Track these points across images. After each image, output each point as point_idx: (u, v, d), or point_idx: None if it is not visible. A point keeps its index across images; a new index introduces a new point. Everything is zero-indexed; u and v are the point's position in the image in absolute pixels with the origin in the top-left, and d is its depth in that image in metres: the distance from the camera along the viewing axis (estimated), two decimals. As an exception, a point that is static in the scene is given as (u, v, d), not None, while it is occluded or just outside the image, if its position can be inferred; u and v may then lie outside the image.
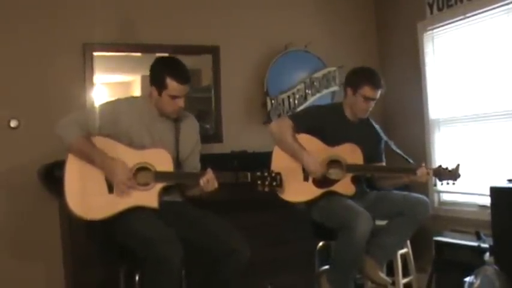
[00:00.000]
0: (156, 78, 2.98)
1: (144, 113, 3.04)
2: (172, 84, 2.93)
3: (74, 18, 4.05)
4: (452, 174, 3.29)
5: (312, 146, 3.33)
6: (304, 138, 3.36)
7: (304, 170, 3.33)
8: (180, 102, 2.99)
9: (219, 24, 4.47)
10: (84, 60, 4.07)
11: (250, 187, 3.04)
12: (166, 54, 4.18)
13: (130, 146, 2.97)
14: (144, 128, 3.02)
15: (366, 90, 3.33)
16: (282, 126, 3.39)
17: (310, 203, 3.33)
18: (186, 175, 3.08)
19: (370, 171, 3.46)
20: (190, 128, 3.19)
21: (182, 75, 2.97)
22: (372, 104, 3.39)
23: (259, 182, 3.04)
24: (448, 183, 3.31)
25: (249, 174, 3.04)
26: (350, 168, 3.30)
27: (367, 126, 3.52)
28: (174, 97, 2.96)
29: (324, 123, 3.41)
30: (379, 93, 3.37)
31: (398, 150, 3.48)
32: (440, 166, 3.33)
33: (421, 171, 3.25)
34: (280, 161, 3.29)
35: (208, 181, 2.93)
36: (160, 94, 2.96)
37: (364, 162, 3.34)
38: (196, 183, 2.95)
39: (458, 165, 3.29)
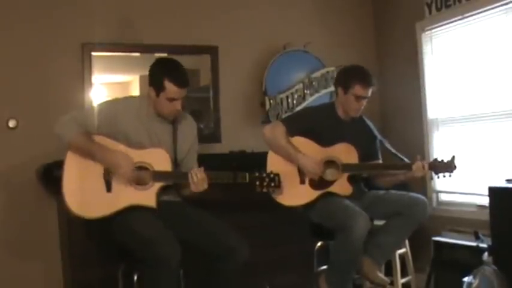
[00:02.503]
0: (154, 80, 2.97)
1: (142, 113, 3.03)
2: (170, 86, 2.92)
3: (72, 18, 4.05)
4: (448, 166, 3.29)
5: (307, 148, 3.33)
6: (299, 141, 3.36)
7: (300, 173, 3.33)
8: (177, 105, 2.98)
9: (217, 24, 4.47)
10: (82, 60, 4.06)
11: (248, 187, 3.04)
12: (164, 54, 4.19)
13: (128, 145, 2.96)
14: (142, 128, 3.01)
15: (357, 89, 3.32)
16: (275, 131, 3.38)
17: (308, 205, 3.33)
18: (184, 175, 3.08)
19: (365, 170, 3.46)
20: (188, 128, 3.19)
21: (181, 78, 2.95)
22: (364, 102, 3.38)
23: (257, 183, 3.04)
24: (444, 176, 3.31)
25: (247, 174, 3.04)
26: (345, 167, 3.30)
27: (361, 125, 3.51)
28: (171, 99, 2.95)
29: (316, 124, 3.40)
30: (370, 91, 3.36)
31: (392, 149, 3.47)
32: (435, 159, 3.33)
33: (416, 166, 3.26)
34: (275, 166, 3.27)
35: (198, 178, 2.91)
36: (157, 95, 2.95)
37: (360, 161, 3.34)
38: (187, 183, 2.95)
39: (453, 156, 3.29)
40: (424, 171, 3.28)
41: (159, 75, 2.94)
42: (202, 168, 2.97)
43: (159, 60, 3.10)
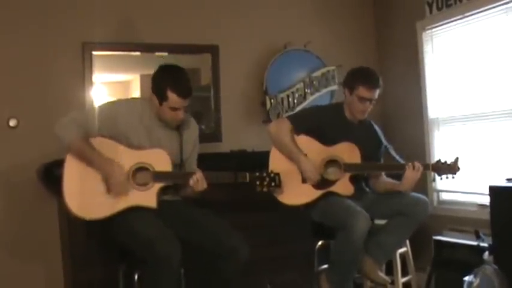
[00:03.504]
0: (157, 88, 2.95)
1: (144, 115, 3.03)
2: (173, 97, 2.91)
3: (73, 17, 4.04)
4: (451, 168, 3.28)
5: (310, 147, 3.33)
6: (302, 140, 3.35)
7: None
8: (180, 114, 2.98)
9: (218, 24, 4.47)
10: (83, 59, 4.06)
11: (249, 187, 3.04)
12: (165, 54, 4.21)
13: (129, 146, 2.96)
14: (143, 130, 3.01)
15: (361, 91, 3.30)
16: (281, 127, 3.38)
17: (309, 205, 3.32)
18: (182, 175, 3.08)
19: (367, 170, 3.45)
20: (191, 131, 3.19)
21: (184, 89, 2.94)
22: (369, 104, 3.35)
23: (258, 183, 3.05)
24: (447, 178, 3.30)
25: (247, 174, 3.05)
26: (347, 167, 3.30)
27: (368, 128, 3.51)
28: (174, 109, 2.95)
29: (323, 123, 3.40)
30: (376, 93, 3.33)
31: (396, 157, 3.46)
32: (438, 160, 3.33)
33: (408, 166, 3.24)
34: (277, 163, 3.28)
35: (198, 181, 2.93)
36: (160, 104, 2.95)
37: (362, 162, 3.33)
38: (186, 183, 2.96)
39: (457, 158, 3.28)
40: (417, 174, 3.25)
41: (162, 85, 2.93)
42: (199, 171, 2.98)
43: (163, 69, 3.03)
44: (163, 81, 2.94)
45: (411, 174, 3.25)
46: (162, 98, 2.93)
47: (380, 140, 3.51)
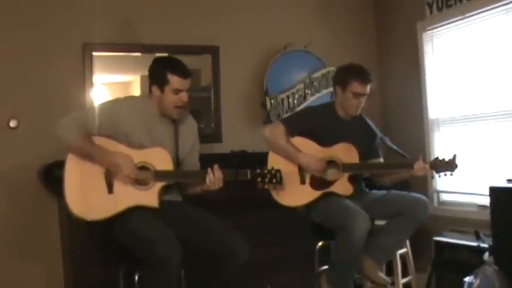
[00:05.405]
0: (156, 77, 2.98)
1: (143, 113, 3.03)
2: (173, 78, 2.94)
3: (73, 18, 4.05)
4: (450, 165, 3.26)
5: (307, 148, 3.33)
6: (299, 141, 3.36)
7: (300, 173, 3.32)
8: (184, 97, 2.99)
9: (218, 24, 4.47)
10: (83, 60, 4.06)
11: (250, 185, 3.04)
12: (165, 54, 4.19)
13: (129, 145, 2.96)
14: (143, 128, 3.01)
15: (355, 87, 3.31)
16: (275, 131, 3.38)
17: (309, 205, 3.32)
18: (188, 174, 3.07)
19: (366, 170, 3.45)
20: (189, 127, 3.19)
21: (182, 69, 2.99)
22: (363, 99, 3.37)
23: (259, 180, 3.04)
24: (445, 175, 3.29)
25: (248, 171, 3.04)
26: (346, 167, 3.30)
27: (361, 123, 3.51)
28: (177, 91, 2.95)
29: (316, 124, 3.40)
30: (368, 87, 3.35)
31: (393, 146, 3.47)
32: (436, 158, 3.32)
33: (418, 165, 3.23)
34: (275, 166, 3.28)
35: (215, 180, 2.93)
36: (163, 91, 2.96)
37: (360, 161, 3.33)
38: (201, 181, 2.96)
39: (454, 155, 3.27)
40: (425, 171, 3.26)
41: (160, 71, 2.96)
42: (217, 166, 2.97)
43: (157, 59, 3.12)
44: (162, 68, 2.97)
45: (418, 173, 3.25)
46: (163, 83, 2.94)
47: (374, 132, 3.52)
